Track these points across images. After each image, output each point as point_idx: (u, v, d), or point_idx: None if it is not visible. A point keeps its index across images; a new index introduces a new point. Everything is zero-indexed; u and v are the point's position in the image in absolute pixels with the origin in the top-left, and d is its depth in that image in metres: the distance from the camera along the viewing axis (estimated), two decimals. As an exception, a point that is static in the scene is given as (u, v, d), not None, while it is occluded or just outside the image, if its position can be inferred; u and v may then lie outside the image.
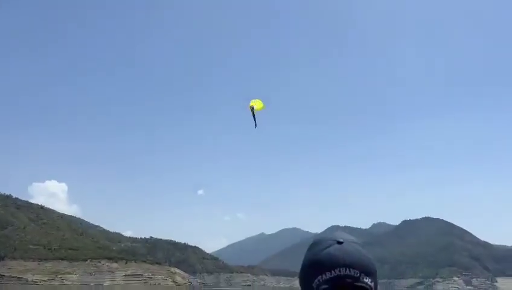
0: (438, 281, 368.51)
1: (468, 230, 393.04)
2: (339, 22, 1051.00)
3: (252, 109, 16.74)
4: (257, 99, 18.19)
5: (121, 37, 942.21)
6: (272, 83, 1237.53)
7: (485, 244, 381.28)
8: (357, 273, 1.20)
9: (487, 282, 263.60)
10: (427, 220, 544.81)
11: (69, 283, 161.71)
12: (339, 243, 1.26)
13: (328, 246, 1.24)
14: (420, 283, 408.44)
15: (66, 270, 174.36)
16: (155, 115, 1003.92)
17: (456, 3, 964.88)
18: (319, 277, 1.21)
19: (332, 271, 1.20)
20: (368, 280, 1.22)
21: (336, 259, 1.21)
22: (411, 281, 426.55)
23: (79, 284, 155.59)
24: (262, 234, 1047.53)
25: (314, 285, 1.22)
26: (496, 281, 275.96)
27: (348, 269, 1.20)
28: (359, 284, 1.20)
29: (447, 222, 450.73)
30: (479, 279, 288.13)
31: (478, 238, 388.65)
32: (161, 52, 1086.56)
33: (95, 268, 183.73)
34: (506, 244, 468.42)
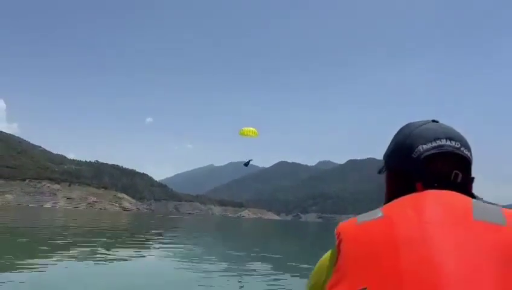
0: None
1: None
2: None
3: (248, 161, 21.46)
4: (251, 128, 19.54)
5: None
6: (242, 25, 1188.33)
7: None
8: (457, 144, 1.24)
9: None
10: (371, 161, 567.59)
11: (5, 202, 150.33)
12: (434, 121, 1.32)
13: (425, 123, 1.31)
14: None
15: (1, 190, 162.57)
16: (105, 36, 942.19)
17: None
18: (420, 147, 1.24)
19: (433, 141, 1.24)
20: (468, 153, 1.25)
21: (436, 131, 1.26)
22: (352, 216, 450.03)
23: (16, 205, 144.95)
24: (211, 165, 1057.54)
25: (414, 155, 1.24)
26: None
27: (449, 140, 1.24)
28: (460, 153, 1.23)
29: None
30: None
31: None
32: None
33: (35, 189, 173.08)
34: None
